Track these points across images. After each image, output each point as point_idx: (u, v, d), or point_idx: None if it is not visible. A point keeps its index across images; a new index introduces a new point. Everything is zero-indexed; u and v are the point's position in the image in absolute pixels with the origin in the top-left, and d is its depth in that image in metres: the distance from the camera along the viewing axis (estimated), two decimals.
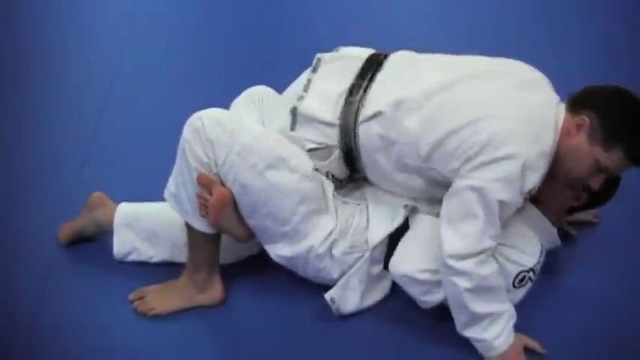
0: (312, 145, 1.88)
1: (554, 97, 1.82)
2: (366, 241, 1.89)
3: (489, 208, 1.70)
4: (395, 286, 1.97)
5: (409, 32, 3.41)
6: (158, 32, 3.75)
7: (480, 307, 1.74)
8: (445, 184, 1.79)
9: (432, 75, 1.83)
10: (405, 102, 1.79)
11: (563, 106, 1.80)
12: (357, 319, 1.95)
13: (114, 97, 3.03)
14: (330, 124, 1.86)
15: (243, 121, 1.89)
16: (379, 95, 1.83)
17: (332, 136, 1.87)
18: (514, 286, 1.85)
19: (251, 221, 1.88)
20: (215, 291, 1.97)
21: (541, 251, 1.90)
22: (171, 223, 2.00)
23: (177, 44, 3.63)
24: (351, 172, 1.95)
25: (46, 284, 2.04)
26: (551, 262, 2.01)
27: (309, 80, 1.92)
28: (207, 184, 1.82)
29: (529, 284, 1.88)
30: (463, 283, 1.72)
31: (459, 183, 1.74)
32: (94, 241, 2.17)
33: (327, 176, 1.92)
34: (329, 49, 2.01)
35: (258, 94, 2.15)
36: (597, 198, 1.99)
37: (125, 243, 2.07)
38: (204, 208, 1.83)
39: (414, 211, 1.91)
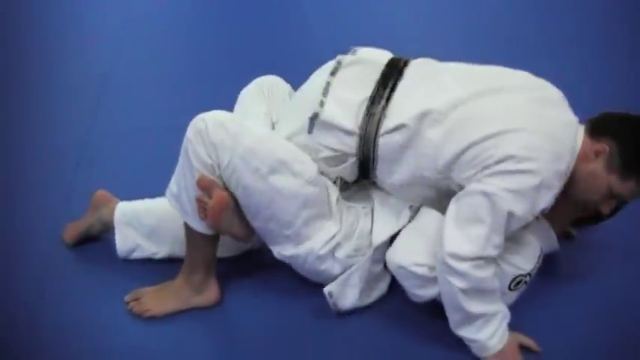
0: (328, 153, 1.87)
1: (574, 119, 1.83)
2: (370, 244, 1.89)
3: (497, 216, 1.70)
4: (392, 286, 1.96)
5: (405, 33, 3.41)
6: (152, 32, 3.74)
7: (474, 307, 1.75)
8: None
9: (455, 87, 1.82)
10: (429, 114, 1.77)
11: (582, 129, 1.82)
12: (354, 319, 1.94)
13: (108, 97, 3.03)
14: (349, 133, 1.84)
15: (247, 124, 1.87)
16: (402, 107, 1.81)
17: (350, 145, 1.85)
18: (509, 288, 1.86)
19: (254, 222, 1.88)
20: (211, 292, 1.97)
21: (539, 256, 1.91)
22: (171, 218, 1.98)
23: (171, 44, 3.63)
24: (362, 178, 1.94)
25: (46, 284, 2.04)
26: (551, 262, 2.02)
27: (327, 83, 1.89)
28: (207, 187, 1.81)
29: (523, 288, 1.89)
30: (459, 283, 1.72)
31: (472, 186, 1.73)
32: (95, 241, 2.17)
33: (334, 180, 1.91)
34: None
35: (268, 84, 2.13)
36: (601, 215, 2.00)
37: (127, 240, 2.07)
38: (203, 211, 1.83)
39: (419, 211, 1.91)
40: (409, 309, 1.93)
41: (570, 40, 3.60)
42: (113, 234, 2.09)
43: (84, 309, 1.97)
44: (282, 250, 1.90)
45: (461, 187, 1.78)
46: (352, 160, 1.87)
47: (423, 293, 1.85)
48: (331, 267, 1.90)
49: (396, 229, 1.89)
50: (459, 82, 1.85)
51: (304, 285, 1.98)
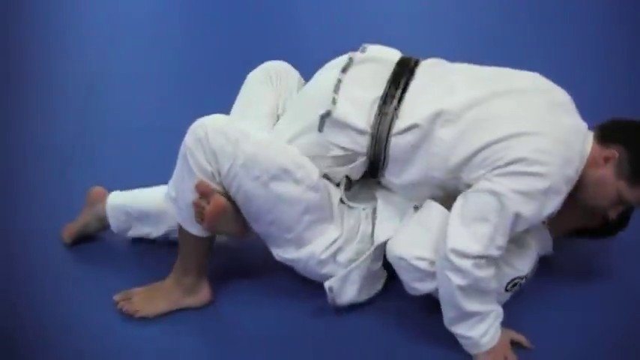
0: (338, 152, 1.85)
1: (583, 124, 1.84)
2: (371, 247, 1.89)
3: (504, 217, 1.71)
4: (390, 284, 1.96)
5: (401, 33, 3.37)
6: (142, 32, 3.73)
7: (470, 305, 1.75)
8: None
9: (468, 88, 1.82)
10: (442, 114, 1.77)
11: (591, 135, 1.83)
12: (352, 317, 1.95)
13: (97, 97, 3.01)
14: (361, 132, 1.82)
15: (247, 129, 1.84)
16: (414, 107, 1.80)
17: (361, 144, 1.84)
18: (506, 289, 1.87)
19: (255, 226, 1.88)
20: (203, 294, 1.96)
21: (536, 259, 1.93)
22: (164, 206, 1.97)
23: (164, 43, 3.61)
24: (369, 176, 1.93)
25: (46, 284, 2.05)
26: (551, 262, 2.03)
27: (339, 80, 1.86)
28: (205, 192, 1.79)
29: (517, 289, 1.90)
30: (458, 280, 1.72)
31: (481, 184, 1.74)
32: (95, 240, 2.17)
33: (340, 180, 1.90)
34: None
35: (276, 70, 2.08)
36: (607, 229, 2.01)
37: (120, 221, 2.08)
38: (200, 216, 1.81)
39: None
40: (408, 307, 1.94)
41: (570, 40, 3.60)
42: (110, 230, 2.09)
43: (84, 309, 1.97)
44: (282, 253, 1.90)
45: (469, 187, 1.78)
46: (362, 159, 1.86)
47: (420, 287, 1.84)
48: (332, 271, 1.90)
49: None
50: (470, 83, 1.85)
51: (303, 285, 1.98)
